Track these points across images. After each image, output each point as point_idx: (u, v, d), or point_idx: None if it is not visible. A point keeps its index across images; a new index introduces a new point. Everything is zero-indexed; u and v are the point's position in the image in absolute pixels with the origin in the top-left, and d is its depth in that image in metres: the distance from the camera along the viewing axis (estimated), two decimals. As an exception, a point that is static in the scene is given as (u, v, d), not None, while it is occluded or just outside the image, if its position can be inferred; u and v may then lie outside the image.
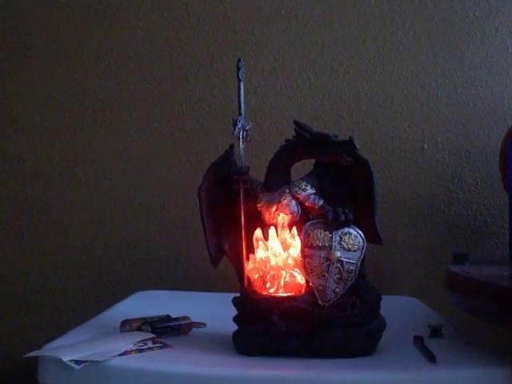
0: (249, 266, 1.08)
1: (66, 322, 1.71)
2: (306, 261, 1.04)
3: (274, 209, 1.09)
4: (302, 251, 1.05)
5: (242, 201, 1.11)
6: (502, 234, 1.70)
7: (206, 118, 1.78)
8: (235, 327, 1.07)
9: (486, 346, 1.10)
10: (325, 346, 1.02)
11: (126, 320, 1.19)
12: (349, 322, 1.02)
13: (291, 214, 1.08)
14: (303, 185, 1.10)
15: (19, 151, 1.83)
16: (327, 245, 1.04)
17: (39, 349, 1.06)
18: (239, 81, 1.13)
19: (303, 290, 1.05)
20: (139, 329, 1.17)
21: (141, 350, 1.06)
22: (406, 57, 1.75)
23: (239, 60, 1.14)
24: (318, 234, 1.04)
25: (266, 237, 1.08)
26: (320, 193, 1.10)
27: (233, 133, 1.13)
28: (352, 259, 1.04)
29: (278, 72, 1.77)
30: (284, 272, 1.06)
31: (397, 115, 1.75)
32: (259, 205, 1.10)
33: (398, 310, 1.33)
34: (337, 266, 1.03)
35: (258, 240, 1.08)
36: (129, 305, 1.48)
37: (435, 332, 1.16)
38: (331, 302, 1.03)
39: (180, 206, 1.76)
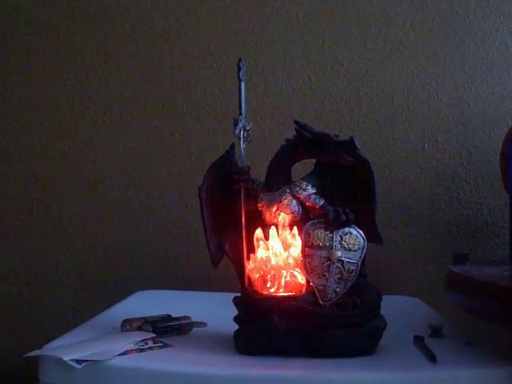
0: (249, 266, 1.08)
1: (67, 321, 1.71)
2: (307, 260, 1.04)
3: (274, 208, 1.09)
4: (303, 251, 1.05)
5: (242, 201, 1.11)
6: (502, 234, 1.70)
7: (206, 117, 1.78)
8: (236, 327, 1.07)
9: (487, 346, 1.10)
10: (325, 346, 1.02)
11: (126, 319, 1.19)
12: (349, 321, 1.02)
13: (292, 213, 1.08)
14: (304, 184, 1.10)
15: (19, 151, 1.83)
16: (328, 244, 1.04)
17: (40, 348, 1.06)
18: (240, 81, 1.13)
19: (304, 290, 1.05)
20: (140, 328, 1.17)
21: (141, 350, 1.06)
22: (407, 57, 1.75)
23: (240, 60, 1.14)
24: (319, 233, 1.04)
25: (266, 236, 1.09)
26: (321, 192, 1.10)
27: (233, 133, 1.13)
28: (353, 259, 1.04)
29: (278, 72, 1.77)
30: (285, 272, 1.06)
31: (397, 115, 1.75)
32: (260, 204, 1.10)
33: (399, 310, 1.33)
34: (337, 266, 1.03)
35: (258, 240, 1.08)
36: (129, 304, 1.48)
37: (435, 332, 1.16)
38: (332, 301, 1.03)
39: (181, 205, 1.76)
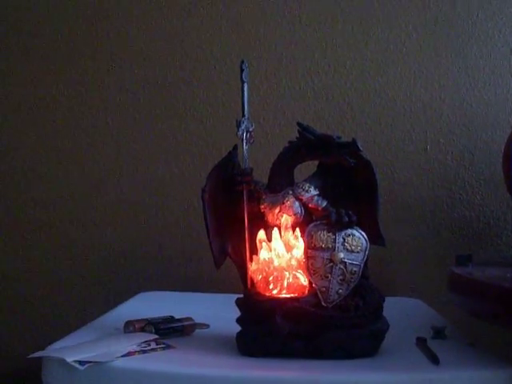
0: (252, 267, 1.08)
1: (70, 322, 1.71)
2: (310, 262, 1.04)
3: (277, 210, 1.09)
4: (306, 252, 1.05)
5: (245, 202, 1.11)
6: (505, 235, 1.70)
7: (209, 119, 1.78)
8: (238, 328, 1.07)
9: (489, 348, 1.10)
10: (328, 347, 1.02)
11: (129, 321, 1.19)
12: (352, 323, 1.03)
13: (294, 215, 1.09)
14: (306, 186, 1.10)
15: (20, 151, 1.83)
16: (330, 246, 1.04)
17: (43, 350, 1.06)
18: (243, 82, 1.13)
19: (306, 291, 1.05)
20: (142, 330, 1.17)
21: (144, 351, 1.06)
22: (409, 58, 1.75)
23: (243, 62, 1.14)
24: (322, 235, 1.04)
25: (269, 238, 1.09)
26: (323, 194, 1.10)
27: (236, 134, 1.13)
28: (355, 260, 1.04)
29: (281, 73, 1.77)
30: (287, 273, 1.06)
31: (400, 117, 1.75)
32: (262, 206, 1.11)
33: (401, 312, 1.33)
34: (340, 268, 1.03)
35: (261, 241, 1.09)
36: (132, 306, 1.48)
37: (438, 333, 1.16)
38: (334, 303, 1.03)
39: (183, 207, 1.77)
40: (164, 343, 1.11)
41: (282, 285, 1.05)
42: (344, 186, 1.12)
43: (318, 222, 1.06)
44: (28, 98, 1.83)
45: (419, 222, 1.73)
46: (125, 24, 1.81)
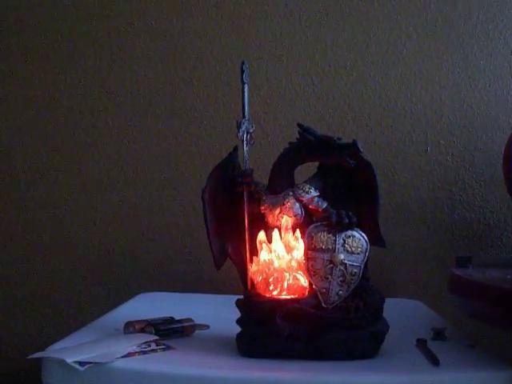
0: (252, 269, 1.08)
1: (70, 323, 1.71)
2: (310, 263, 1.04)
3: (277, 211, 1.09)
4: (306, 254, 1.05)
5: (245, 203, 1.11)
6: (505, 237, 1.70)
7: (209, 120, 1.78)
8: (238, 329, 1.07)
9: (489, 349, 1.10)
10: (328, 349, 1.02)
11: (129, 322, 1.19)
12: (352, 324, 1.03)
13: (295, 216, 1.09)
14: (307, 187, 1.10)
15: (20, 151, 1.83)
16: (331, 247, 1.04)
17: (43, 350, 1.06)
18: (243, 83, 1.13)
19: (306, 293, 1.05)
20: (142, 331, 1.17)
21: (144, 352, 1.06)
22: (410, 60, 1.75)
23: (243, 63, 1.14)
24: (322, 236, 1.04)
25: (269, 239, 1.09)
26: (324, 195, 1.10)
27: (237, 135, 1.13)
28: (355, 262, 1.04)
29: (281, 75, 1.77)
30: (287, 274, 1.06)
31: (400, 118, 1.75)
32: (263, 207, 1.11)
33: (401, 313, 1.33)
34: (340, 269, 1.03)
35: (261, 242, 1.08)
36: (132, 307, 1.48)
37: (438, 335, 1.16)
38: (334, 304, 1.03)
39: (184, 207, 1.77)
40: (164, 344, 1.11)
41: (282, 286, 1.05)
42: (344, 187, 1.12)
43: (319, 224, 1.06)
44: (28, 97, 1.83)
45: (419, 224, 1.73)
46: (125, 24, 1.81)
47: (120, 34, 1.81)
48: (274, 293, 1.05)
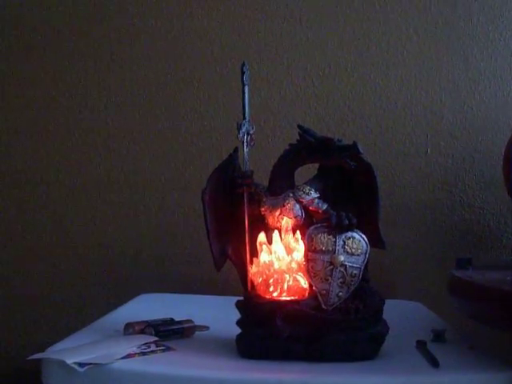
0: (252, 270, 1.08)
1: (70, 324, 1.71)
2: (310, 265, 1.04)
3: (277, 213, 1.09)
4: (306, 255, 1.05)
5: (245, 204, 1.11)
6: (505, 238, 1.70)
7: (210, 121, 1.78)
8: (238, 330, 1.07)
9: (489, 351, 1.10)
10: (328, 350, 1.02)
11: (129, 323, 1.19)
12: (352, 326, 1.03)
13: (295, 217, 1.09)
14: (307, 189, 1.10)
15: (20, 151, 1.83)
16: (331, 249, 1.04)
17: (43, 351, 1.06)
18: (244, 85, 1.13)
19: (306, 294, 1.05)
20: (142, 332, 1.17)
21: (144, 353, 1.06)
22: (410, 61, 1.75)
23: (244, 64, 1.14)
24: (322, 238, 1.04)
25: (269, 241, 1.09)
26: (324, 197, 1.10)
27: (237, 137, 1.13)
28: (355, 263, 1.04)
29: (282, 76, 1.77)
30: (287, 276, 1.06)
31: (400, 119, 1.75)
32: (263, 209, 1.11)
33: (401, 315, 1.33)
34: (340, 270, 1.03)
35: (261, 244, 1.09)
36: (132, 308, 1.48)
37: (438, 336, 1.16)
38: (334, 306, 1.03)
39: (184, 208, 1.77)
40: (164, 345, 1.11)
41: (282, 287, 1.05)
42: (344, 188, 1.12)
43: (319, 225, 1.06)
44: (28, 97, 1.83)
45: (419, 225, 1.73)
46: (125, 24, 1.81)
47: (120, 35, 1.82)
48: (274, 294, 1.05)
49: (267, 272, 1.06)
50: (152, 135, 1.80)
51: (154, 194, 1.79)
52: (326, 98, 1.76)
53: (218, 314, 1.29)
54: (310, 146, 1.08)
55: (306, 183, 1.11)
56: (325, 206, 1.09)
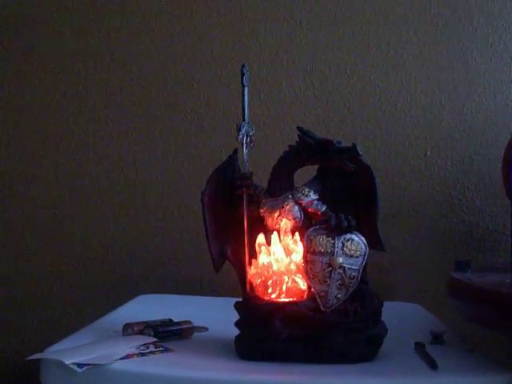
0: (251, 271, 1.08)
1: (69, 324, 1.71)
2: (309, 266, 1.04)
3: (276, 214, 1.09)
4: (305, 257, 1.05)
5: (245, 206, 1.11)
6: (504, 241, 1.70)
7: (209, 122, 1.78)
8: (237, 332, 1.07)
9: (488, 353, 1.10)
10: (326, 352, 1.02)
11: (128, 323, 1.19)
12: (350, 327, 1.02)
13: (294, 219, 1.09)
14: (306, 190, 1.10)
15: (20, 151, 1.83)
16: (329, 251, 1.04)
17: (41, 351, 1.06)
18: (243, 86, 1.13)
19: (305, 296, 1.05)
20: (141, 332, 1.17)
21: (142, 354, 1.06)
22: (410, 63, 1.75)
23: (243, 66, 1.14)
24: (321, 239, 1.04)
25: (268, 242, 1.09)
26: (323, 199, 1.10)
27: (236, 138, 1.13)
28: (354, 265, 1.04)
29: (282, 78, 1.77)
30: (286, 277, 1.06)
31: (400, 121, 1.75)
32: (262, 210, 1.11)
33: (400, 317, 1.33)
34: (339, 272, 1.03)
35: (260, 245, 1.09)
36: (131, 308, 1.48)
37: (437, 339, 1.16)
38: (333, 307, 1.03)
39: (183, 210, 1.77)
40: (162, 346, 1.11)
41: (280, 289, 1.05)
42: (344, 190, 1.12)
43: (318, 227, 1.06)
44: (28, 98, 1.83)
45: (418, 227, 1.73)
46: (125, 25, 1.81)
47: (120, 36, 1.82)
48: (273, 296, 1.05)
49: (266, 273, 1.06)
50: (152, 136, 1.80)
51: (153, 194, 1.79)
52: (326, 99, 1.76)
53: (216, 315, 1.29)
54: (309, 148, 1.08)
55: (305, 185, 1.11)
56: (324, 208, 1.09)
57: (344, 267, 1.03)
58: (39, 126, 1.83)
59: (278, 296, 1.05)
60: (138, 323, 1.19)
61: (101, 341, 1.13)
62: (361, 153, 1.06)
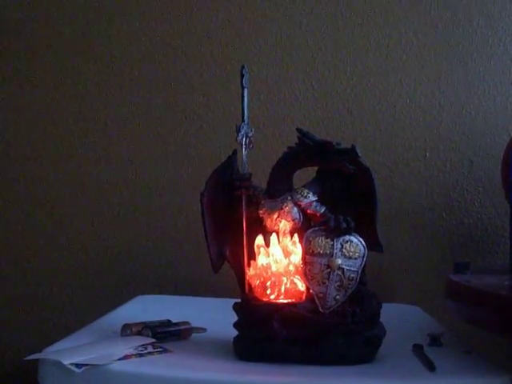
0: (250, 272, 1.08)
1: (67, 324, 1.71)
2: (307, 268, 1.04)
3: (275, 215, 1.09)
4: (303, 258, 1.05)
5: (244, 207, 1.11)
6: (502, 243, 1.70)
7: (209, 123, 1.78)
8: (235, 333, 1.07)
9: (486, 355, 1.10)
10: (324, 353, 1.02)
11: (126, 324, 1.19)
12: (349, 329, 1.03)
13: (293, 220, 1.09)
14: (305, 192, 1.10)
15: (21, 152, 1.83)
16: (328, 252, 1.04)
17: (40, 351, 1.06)
18: (243, 88, 1.13)
19: (304, 297, 1.05)
20: (139, 333, 1.17)
21: (141, 355, 1.06)
22: (409, 65, 1.76)
23: (243, 67, 1.14)
24: (320, 241, 1.04)
25: (267, 243, 1.09)
26: (322, 200, 1.10)
27: (236, 139, 1.13)
28: (353, 267, 1.04)
29: (281, 79, 1.77)
30: (285, 279, 1.06)
31: (399, 123, 1.75)
32: (261, 211, 1.11)
33: (398, 318, 1.33)
34: (338, 274, 1.03)
35: (259, 246, 1.09)
36: (129, 309, 1.48)
37: (435, 340, 1.16)
38: (331, 309, 1.03)
39: (182, 211, 1.77)
40: (161, 347, 1.11)
41: (279, 290, 1.06)
42: (343, 192, 1.12)
43: (317, 228, 1.06)
44: (27, 98, 1.84)
45: (417, 229, 1.73)
46: (125, 26, 1.82)
47: (120, 36, 1.82)
48: (272, 297, 1.05)
49: (265, 274, 1.06)
50: (151, 136, 1.80)
51: (152, 195, 1.79)
52: (325, 101, 1.76)
53: (215, 316, 1.29)
54: (308, 149, 1.08)
55: (304, 186, 1.11)
56: (323, 209, 1.09)
57: (343, 269, 1.03)
58: (39, 126, 1.83)
59: (277, 297, 1.05)
60: (136, 324, 1.19)
61: (99, 341, 1.13)
62: (360, 154, 1.06)
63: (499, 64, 1.74)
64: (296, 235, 1.08)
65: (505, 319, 1.06)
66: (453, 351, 1.13)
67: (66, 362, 0.98)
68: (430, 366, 1.01)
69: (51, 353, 1.05)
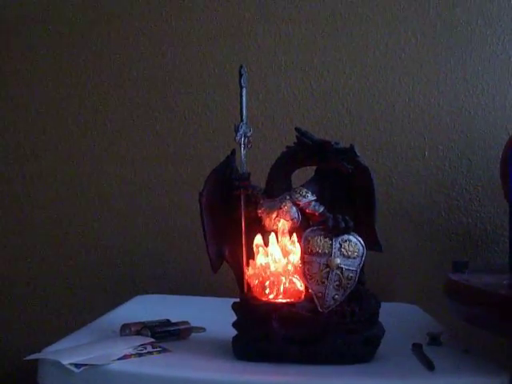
0: (249, 272, 1.08)
1: (66, 324, 1.71)
2: (306, 267, 1.04)
3: (274, 215, 1.09)
4: (302, 258, 1.05)
5: (242, 207, 1.11)
6: (501, 242, 1.70)
7: (207, 123, 1.78)
8: (234, 332, 1.07)
9: (485, 355, 1.10)
10: (323, 353, 1.02)
11: (125, 324, 1.19)
12: (348, 328, 1.03)
13: (291, 220, 1.09)
14: (304, 191, 1.10)
15: (20, 152, 1.83)
16: (327, 252, 1.04)
17: (39, 352, 1.06)
18: (241, 87, 1.13)
19: (302, 297, 1.05)
20: (139, 333, 1.17)
21: (140, 355, 1.06)
22: (408, 64, 1.76)
23: (241, 66, 1.14)
24: (318, 240, 1.04)
25: (266, 243, 1.09)
26: (320, 200, 1.10)
27: (234, 139, 1.13)
28: (352, 266, 1.04)
29: (280, 79, 1.77)
30: (283, 278, 1.06)
31: (398, 123, 1.75)
32: (260, 211, 1.11)
33: (397, 317, 1.33)
34: (336, 273, 1.03)
35: (258, 246, 1.09)
36: (129, 309, 1.49)
37: (434, 340, 1.16)
38: (330, 308, 1.03)
39: (181, 210, 1.77)
40: (160, 347, 1.11)
41: (278, 290, 1.05)
42: (341, 191, 1.12)
43: (315, 228, 1.06)
44: (27, 98, 1.84)
45: (416, 228, 1.73)
46: (125, 27, 1.82)
47: (119, 36, 1.82)
48: (270, 296, 1.05)
49: (263, 274, 1.06)
50: (150, 136, 1.80)
51: (151, 195, 1.79)
52: (324, 100, 1.76)
53: (214, 316, 1.29)
54: (307, 149, 1.09)
55: (302, 186, 1.11)
56: (321, 209, 1.09)
57: (341, 268, 1.03)
58: (38, 126, 1.83)
59: (276, 297, 1.05)
60: (135, 323, 1.19)
61: (98, 341, 1.13)
62: (358, 154, 1.06)
63: (498, 63, 1.74)
64: (295, 235, 1.08)
65: (503, 318, 1.06)
66: (452, 350, 1.13)
67: (66, 361, 0.98)
68: (429, 365, 1.01)
69: (50, 353, 1.05)
